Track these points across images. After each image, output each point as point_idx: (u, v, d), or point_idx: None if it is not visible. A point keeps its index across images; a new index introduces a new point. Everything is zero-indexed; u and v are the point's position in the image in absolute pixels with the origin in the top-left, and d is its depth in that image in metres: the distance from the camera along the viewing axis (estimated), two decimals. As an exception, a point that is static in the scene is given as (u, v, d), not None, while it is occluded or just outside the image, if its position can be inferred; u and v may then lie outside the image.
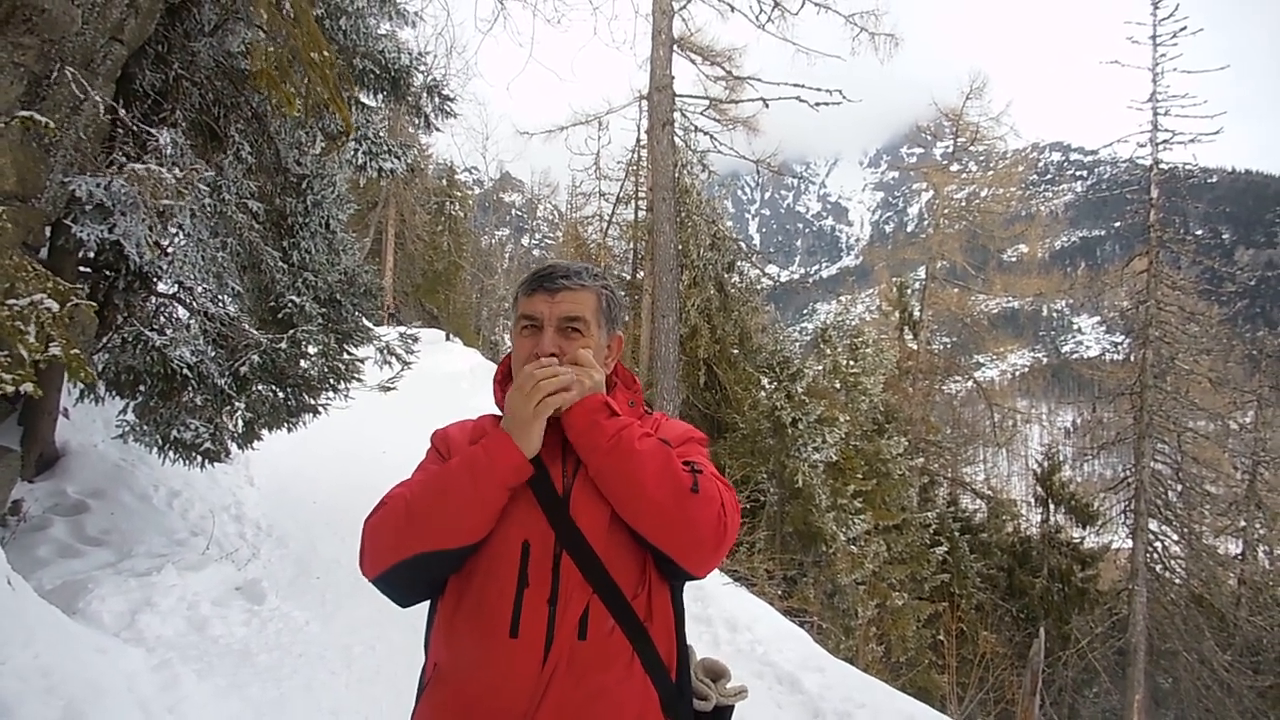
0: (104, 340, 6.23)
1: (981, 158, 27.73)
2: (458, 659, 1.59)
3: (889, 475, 18.15)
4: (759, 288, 20.39)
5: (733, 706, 1.83)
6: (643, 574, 1.65)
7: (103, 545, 6.49)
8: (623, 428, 1.63)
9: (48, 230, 5.80)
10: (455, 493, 1.58)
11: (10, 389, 2.53)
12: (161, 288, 6.51)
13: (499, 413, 1.88)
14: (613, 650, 1.58)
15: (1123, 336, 21.30)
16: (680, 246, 16.65)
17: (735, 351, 18.22)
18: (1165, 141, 18.91)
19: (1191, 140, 18.61)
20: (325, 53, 4.37)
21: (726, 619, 7.40)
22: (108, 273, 6.30)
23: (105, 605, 5.30)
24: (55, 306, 2.63)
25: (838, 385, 18.56)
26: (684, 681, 1.70)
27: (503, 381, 1.90)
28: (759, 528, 15.46)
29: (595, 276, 1.84)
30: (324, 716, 4.87)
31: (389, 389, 8.37)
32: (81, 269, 6.32)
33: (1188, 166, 19.78)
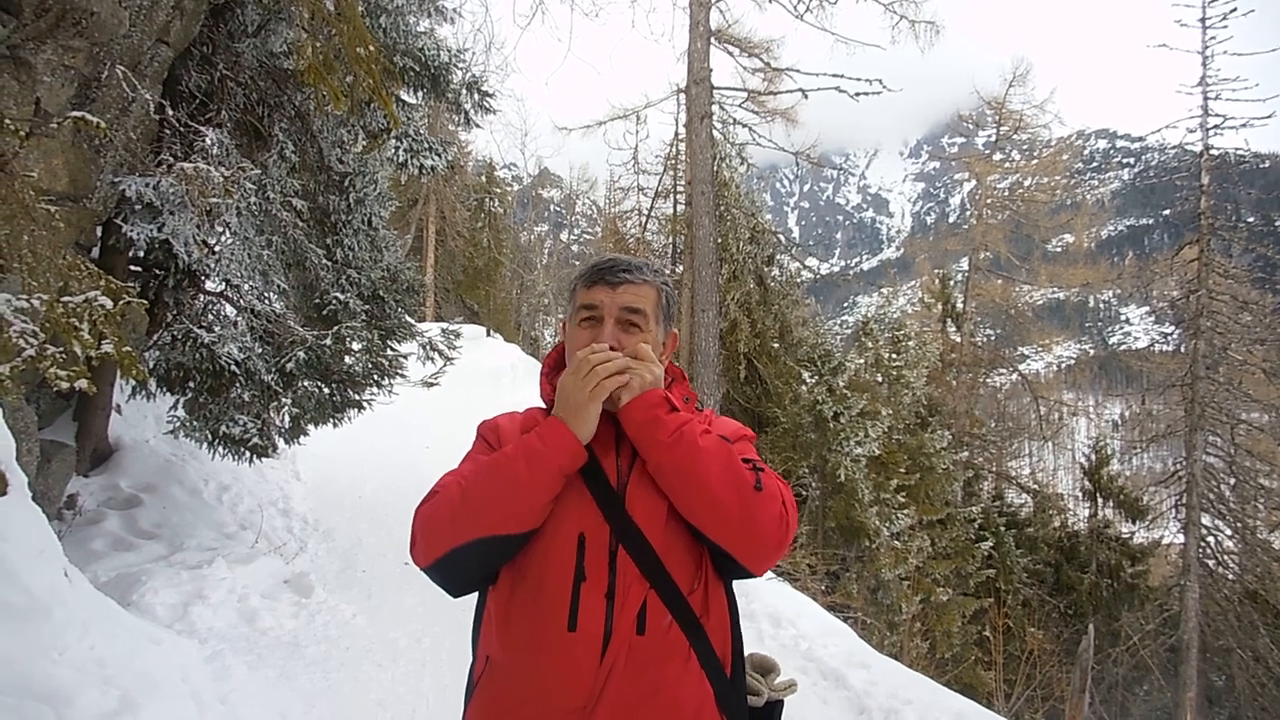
0: (154, 337, 6.36)
1: (1025, 146, 27.23)
2: (513, 653, 1.58)
3: (932, 469, 17.93)
4: (799, 281, 20.20)
5: (783, 701, 1.81)
6: (699, 569, 1.63)
7: (155, 538, 6.62)
8: (683, 423, 1.61)
9: (99, 230, 5.93)
10: (511, 478, 1.56)
11: (65, 385, 2.58)
12: (209, 285, 6.62)
13: (545, 406, 1.88)
14: (670, 646, 1.56)
15: (1172, 327, 20.77)
16: (719, 240, 16.57)
17: (776, 345, 18.10)
18: (1216, 126, 18.39)
19: (1243, 125, 18.09)
20: (371, 47, 4.40)
21: (770, 614, 7.36)
22: (157, 271, 6.43)
23: (158, 597, 5.41)
24: (108, 303, 2.67)
25: (880, 379, 18.37)
26: (739, 677, 1.68)
27: (550, 375, 1.89)
28: (801, 522, 15.36)
29: (655, 272, 1.83)
30: (372, 708, 4.92)
31: (432, 385, 8.44)
32: (132, 267, 6.45)
33: (1239, 152, 19.27)
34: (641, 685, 1.52)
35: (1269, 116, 17.83)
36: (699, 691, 1.57)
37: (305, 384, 6.87)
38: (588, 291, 1.78)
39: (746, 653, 1.81)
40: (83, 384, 2.60)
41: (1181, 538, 18.39)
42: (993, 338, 28.06)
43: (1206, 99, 18.40)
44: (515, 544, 1.59)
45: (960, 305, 24.79)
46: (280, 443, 7.43)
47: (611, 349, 1.70)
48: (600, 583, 1.56)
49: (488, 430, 1.85)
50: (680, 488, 1.59)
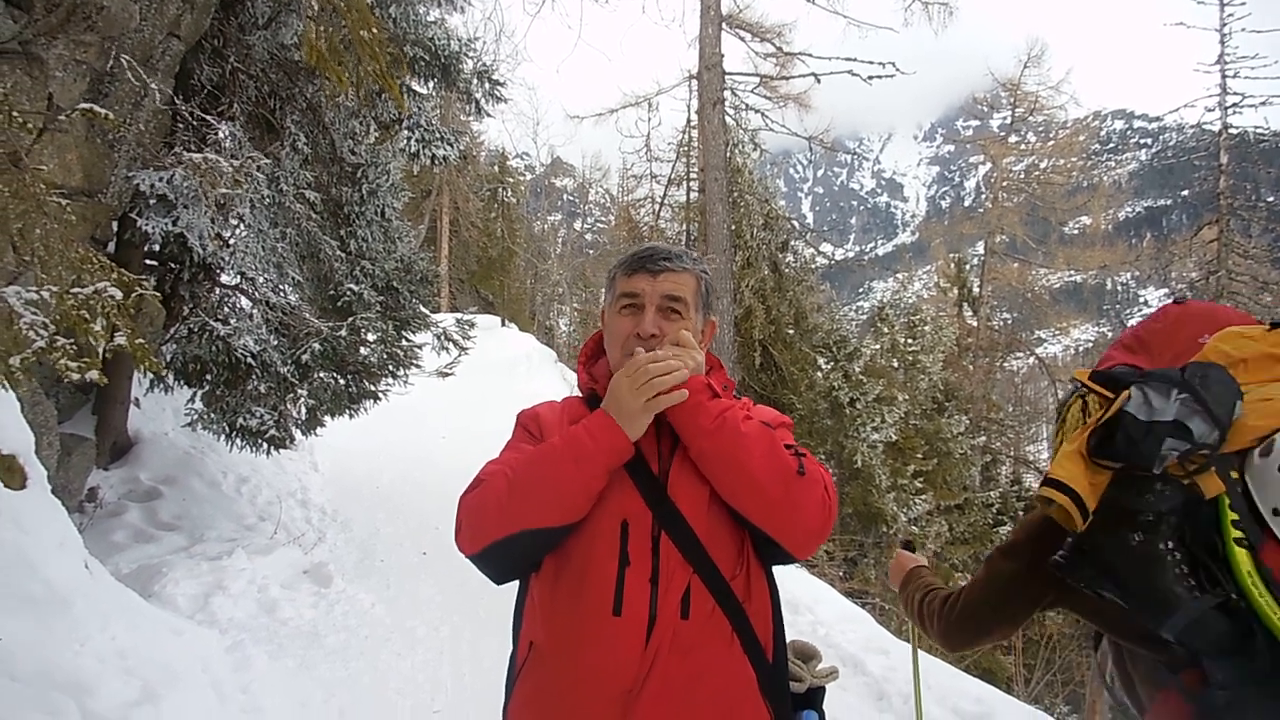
0: (171, 331, 6.39)
1: (1041, 128, 27.04)
2: (559, 638, 1.58)
3: (950, 454, 17.87)
4: (813, 267, 20.10)
5: (824, 688, 1.81)
6: (740, 554, 1.64)
7: (175, 530, 6.67)
8: (725, 409, 1.62)
9: (115, 224, 5.96)
10: (558, 472, 1.57)
11: (76, 376, 2.59)
12: (224, 278, 6.65)
13: (579, 394, 1.90)
14: (714, 630, 1.56)
15: (1192, 309, 20.53)
16: (733, 227, 16.52)
17: (791, 332, 18.03)
18: (1234, 105, 18.16)
19: (1262, 103, 17.92)
20: (374, 30, 4.40)
21: (788, 600, 7.29)
22: (173, 265, 6.46)
23: (179, 588, 5.45)
24: (118, 294, 2.68)
25: (896, 364, 18.32)
26: (780, 662, 1.69)
27: (588, 363, 1.91)
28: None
29: (695, 260, 1.85)
30: (391, 696, 4.95)
31: (446, 374, 8.46)
32: (148, 261, 6.48)
33: (1259, 130, 19.00)
34: (687, 669, 1.52)
35: (1288, 94, 17.63)
36: (743, 676, 1.58)
37: (321, 375, 6.89)
38: (629, 279, 1.79)
39: (788, 640, 1.82)
40: (93, 375, 2.62)
41: (1203, 521, 18.21)
42: (1009, 321, 27.93)
43: (1225, 77, 18.16)
44: (560, 535, 1.60)
45: (976, 289, 24.66)
46: (297, 434, 7.46)
47: (653, 336, 1.72)
48: (644, 568, 1.57)
49: (528, 419, 1.85)
50: (723, 473, 1.60)
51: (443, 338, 8.30)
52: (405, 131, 7.74)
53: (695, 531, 1.59)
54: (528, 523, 1.57)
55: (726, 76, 16.38)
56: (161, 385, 6.70)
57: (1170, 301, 1.87)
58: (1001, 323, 27.17)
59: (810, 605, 7.37)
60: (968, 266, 25.17)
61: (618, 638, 1.52)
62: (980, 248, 26.27)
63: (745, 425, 1.61)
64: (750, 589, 1.63)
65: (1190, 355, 1.68)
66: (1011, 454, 24.21)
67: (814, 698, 1.79)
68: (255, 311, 6.56)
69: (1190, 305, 1.82)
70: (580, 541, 1.60)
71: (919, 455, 16.88)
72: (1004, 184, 25.66)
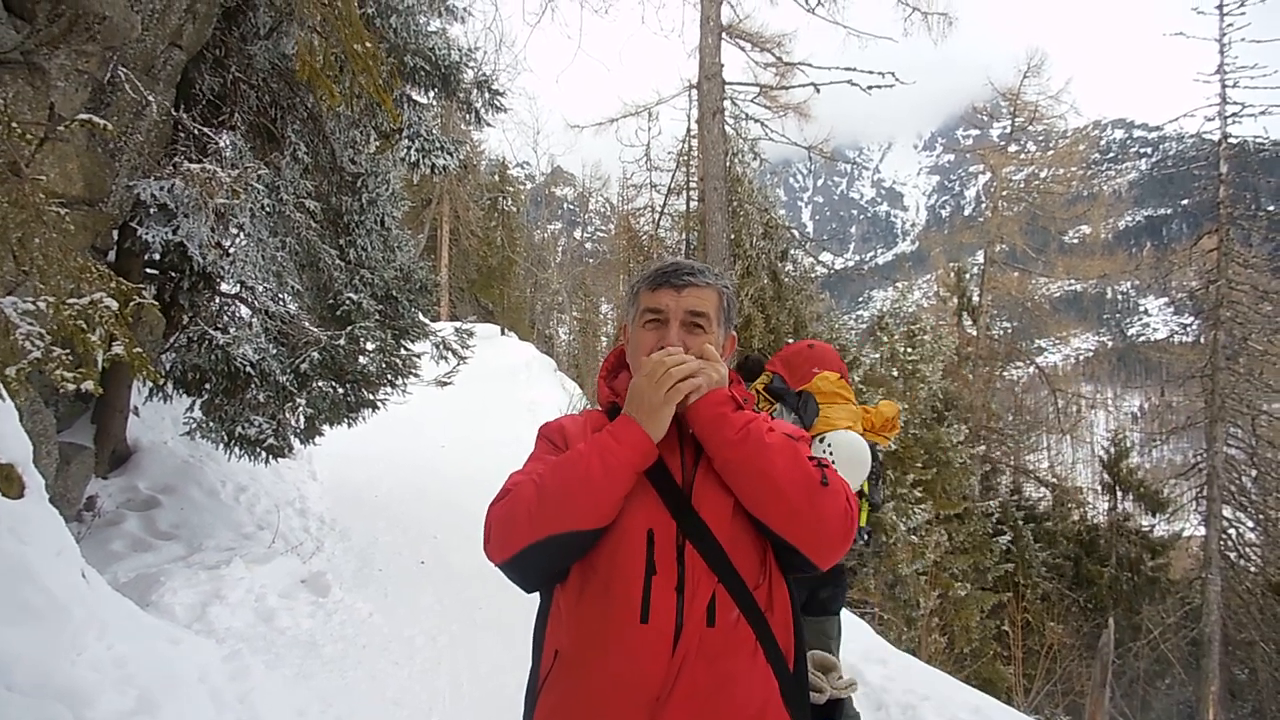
0: (171, 340, 6.39)
1: (1040, 137, 27.06)
2: (586, 645, 1.61)
3: (949, 464, 17.80)
4: (813, 276, 20.05)
5: (843, 700, 1.83)
6: (763, 564, 1.67)
7: (173, 539, 6.66)
8: (750, 420, 1.65)
9: (115, 233, 5.97)
10: (586, 475, 1.60)
11: (72, 386, 2.60)
12: (224, 287, 6.66)
13: (594, 407, 1.95)
14: (738, 639, 1.59)
15: (1192, 318, 20.59)
16: (732, 236, 16.51)
17: (790, 341, 17.99)
18: (1234, 114, 18.18)
19: (1262, 112, 17.91)
20: (368, 44, 4.41)
21: (786, 610, 7.33)
22: (173, 274, 6.47)
23: (177, 598, 5.45)
24: (114, 305, 2.69)
25: (895, 373, 18.25)
26: (801, 672, 1.71)
27: (608, 377, 1.94)
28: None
29: (717, 276, 1.89)
30: (388, 706, 4.94)
31: (445, 384, 8.44)
32: (148, 270, 6.49)
33: (1258, 140, 19.03)
34: (712, 677, 1.54)
35: (1288, 103, 17.63)
36: (766, 685, 1.60)
37: (320, 384, 6.89)
38: (652, 294, 1.82)
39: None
40: (89, 386, 2.62)
41: (1203, 530, 18.21)
42: (1009, 331, 27.92)
43: (1224, 86, 18.19)
44: (589, 540, 1.62)
45: (976, 298, 24.64)
46: (296, 443, 7.46)
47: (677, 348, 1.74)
48: (670, 577, 1.59)
49: (552, 431, 1.88)
50: (748, 484, 1.63)
51: (442, 347, 8.29)
52: (405, 141, 7.74)
53: (719, 541, 1.62)
54: (558, 526, 1.59)
55: (726, 86, 16.39)
56: (160, 394, 6.71)
57: (810, 338, 4.14)
58: (1001, 332, 27.16)
59: (809, 615, 7.35)
60: (967, 275, 25.14)
61: (645, 645, 1.54)
62: (980, 257, 26.25)
63: (769, 436, 1.64)
64: (772, 599, 1.66)
65: (808, 379, 3.52)
66: (1011, 463, 24.17)
67: (833, 709, 1.82)
68: (254, 320, 6.56)
69: (815, 347, 3.68)
70: (606, 551, 1.63)
71: (918, 464, 16.81)
72: (1004, 193, 25.69)
